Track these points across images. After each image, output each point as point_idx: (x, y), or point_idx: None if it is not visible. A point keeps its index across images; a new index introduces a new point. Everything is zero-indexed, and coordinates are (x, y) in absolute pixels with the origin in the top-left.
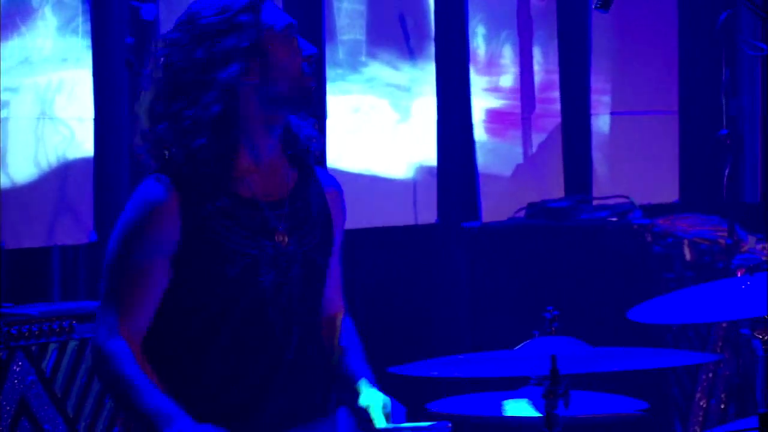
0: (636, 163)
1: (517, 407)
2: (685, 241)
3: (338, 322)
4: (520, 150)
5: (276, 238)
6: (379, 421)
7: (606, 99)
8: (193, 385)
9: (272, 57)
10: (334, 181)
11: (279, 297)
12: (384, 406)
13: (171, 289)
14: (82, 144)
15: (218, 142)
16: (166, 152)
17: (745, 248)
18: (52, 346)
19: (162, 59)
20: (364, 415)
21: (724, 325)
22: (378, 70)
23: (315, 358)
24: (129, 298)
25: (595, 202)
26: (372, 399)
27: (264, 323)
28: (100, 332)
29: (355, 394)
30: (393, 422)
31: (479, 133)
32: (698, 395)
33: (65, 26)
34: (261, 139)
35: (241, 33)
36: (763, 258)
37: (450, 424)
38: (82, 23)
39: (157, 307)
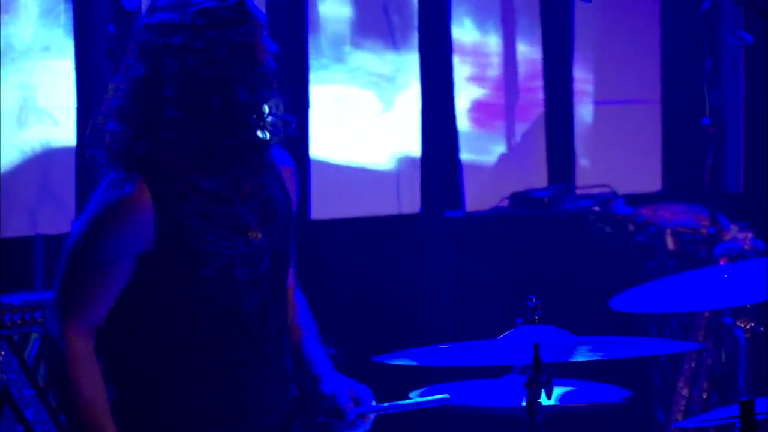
0: (619, 153)
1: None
2: (668, 231)
3: (292, 298)
4: (503, 140)
5: (249, 234)
6: (349, 409)
7: (589, 88)
8: (172, 387)
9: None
10: (287, 158)
11: (255, 292)
12: (350, 390)
13: (145, 289)
14: (65, 133)
15: (210, 132)
16: (135, 147)
17: (728, 237)
18: (34, 336)
19: (161, 41)
20: (329, 402)
21: (707, 314)
22: (362, 60)
23: (288, 347)
24: (88, 294)
25: (578, 192)
26: (337, 385)
27: (241, 319)
28: (53, 327)
29: (317, 381)
30: (363, 406)
31: (463, 122)
32: (681, 384)
33: (47, 15)
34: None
35: (245, 25)
36: (746, 247)
37: (449, 397)
38: (63, 12)
39: (114, 303)
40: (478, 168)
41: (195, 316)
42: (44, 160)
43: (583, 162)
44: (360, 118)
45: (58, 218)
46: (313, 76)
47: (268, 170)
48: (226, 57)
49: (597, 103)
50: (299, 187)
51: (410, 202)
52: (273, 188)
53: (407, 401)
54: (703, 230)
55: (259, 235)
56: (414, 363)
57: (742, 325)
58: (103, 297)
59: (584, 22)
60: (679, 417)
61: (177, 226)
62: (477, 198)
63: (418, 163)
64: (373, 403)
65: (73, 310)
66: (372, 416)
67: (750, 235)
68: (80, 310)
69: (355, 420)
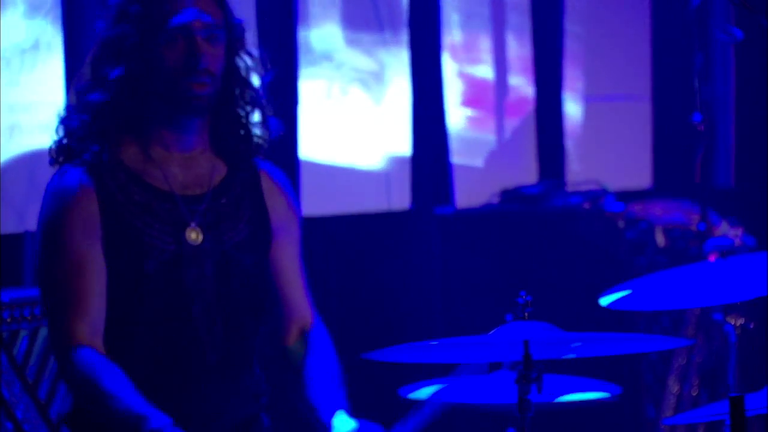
0: (609, 149)
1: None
2: (658, 227)
3: (306, 331)
4: (493, 136)
5: (190, 238)
6: None
7: (579, 85)
8: None
9: (153, 55)
10: (277, 175)
11: (202, 295)
12: None
13: None
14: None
15: (106, 128)
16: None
17: (718, 233)
18: (23, 333)
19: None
20: None
21: (697, 310)
22: (351, 57)
23: (245, 364)
24: (78, 296)
25: (568, 189)
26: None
27: (187, 321)
28: (57, 342)
29: (322, 425)
30: None
31: (453, 119)
32: (671, 380)
33: (36, 11)
34: (164, 131)
35: (126, 25)
36: (736, 243)
37: None
38: (52, 8)
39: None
40: (468, 165)
41: (138, 314)
42: (33, 157)
43: (573, 159)
44: (349, 115)
45: None
46: (302, 73)
47: (239, 180)
48: (105, 52)
49: (587, 99)
50: (291, 208)
51: (400, 200)
52: (245, 198)
53: None
54: (694, 226)
55: (201, 237)
56: (404, 359)
57: (732, 322)
58: (93, 294)
59: (574, 19)
60: (669, 413)
61: (119, 217)
62: (467, 195)
63: (408, 160)
64: None
65: (73, 318)
66: None
67: (740, 231)
68: (79, 315)
69: None
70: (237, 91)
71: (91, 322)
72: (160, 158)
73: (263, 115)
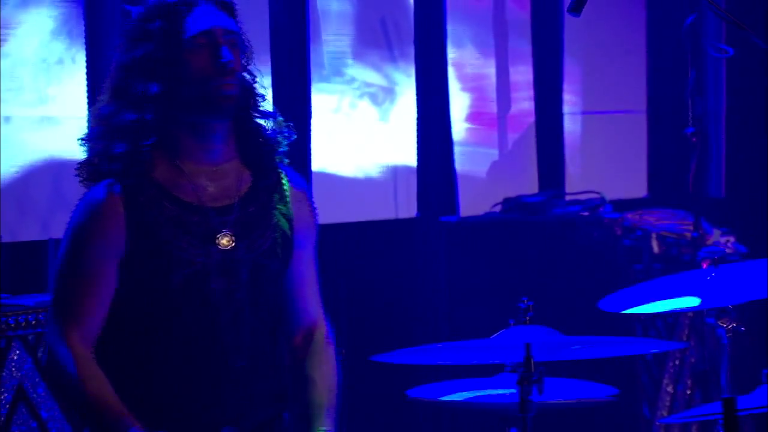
0: (606, 160)
1: None
2: (653, 235)
3: (317, 340)
4: (496, 148)
5: (221, 244)
6: None
7: (577, 99)
8: (145, 393)
9: (180, 65)
10: (300, 183)
11: (230, 304)
12: None
13: (120, 296)
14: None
15: (141, 146)
16: (110, 150)
17: (710, 241)
18: None
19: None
20: None
21: (690, 314)
22: (360, 72)
23: (269, 366)
24: (78, 303)
25: (567, 198)
26: None
27: (214, 330)
28: (53, 338)
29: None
30: None
31: (457, 131)
32: (665, 381)
33: (60, 28)
34: (194, 143)
35: (149, 42)
36: (728, 251)
37: None
38: (76, 25)
39: (108, 311)
40: (472, 175)
41: (167, 325)
42: (57, 168)
43: (572, 169)
44: (359, 128)
45: None
46: (314, 88)
47: (265, 188)
48: (130, 73)
49: (585, 112)
50: (313, 214)
51: (407, 208)
52: (271, 205)
53: None
54: (687, 234)
55: (234, 245)
56: (410, 362)
57: (724, 325)
58: (93, 305)
59: (573, 36)
60: (664, 413)
61: (148, 231)
62: (471, 203)
63: (415, 171)
64: None
65: (68, 320)
66: None
67: (732, 239)
68: (75, 320)
69: None
70: (251, 100)
71: (85, 331)
72: (191, 172)
73: (276, 122)
